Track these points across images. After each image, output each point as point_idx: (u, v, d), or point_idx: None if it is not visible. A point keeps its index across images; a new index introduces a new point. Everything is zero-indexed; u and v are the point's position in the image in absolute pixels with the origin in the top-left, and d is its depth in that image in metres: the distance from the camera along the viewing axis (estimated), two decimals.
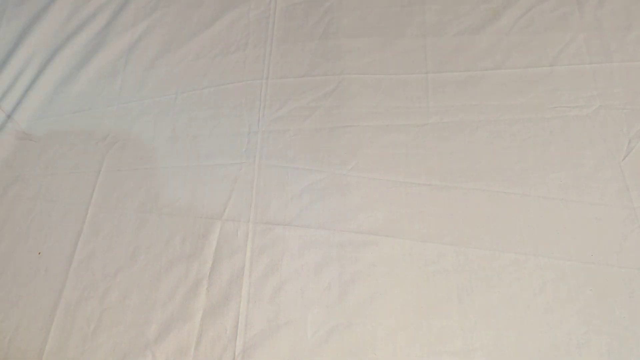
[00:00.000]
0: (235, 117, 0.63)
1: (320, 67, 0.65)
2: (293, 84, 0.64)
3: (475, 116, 0.60)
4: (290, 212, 0.56)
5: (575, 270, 0.50)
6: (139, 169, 0.61)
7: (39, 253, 0.57)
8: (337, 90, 0.63)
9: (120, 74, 0.68)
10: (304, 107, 0.63)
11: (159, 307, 0.54)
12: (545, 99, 0.61)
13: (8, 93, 0.67)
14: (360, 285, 0.51)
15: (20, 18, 0.72)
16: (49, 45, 0.70)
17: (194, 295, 0.54)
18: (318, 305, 0.51)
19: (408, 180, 0.57)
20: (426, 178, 0.57)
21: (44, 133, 0.65)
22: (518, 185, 0.55)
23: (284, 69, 0.66)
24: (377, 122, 0.61)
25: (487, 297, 0.50)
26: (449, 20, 0.67)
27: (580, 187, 0.55)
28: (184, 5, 0.72)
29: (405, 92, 0.63)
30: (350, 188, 0.56)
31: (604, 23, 0.65)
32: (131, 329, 0.53)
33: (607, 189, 0.55)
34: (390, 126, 0.60)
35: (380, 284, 0.51)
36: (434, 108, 0.61)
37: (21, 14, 0.72)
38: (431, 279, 0.51)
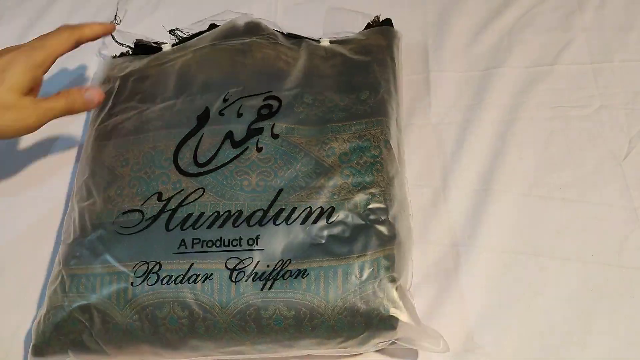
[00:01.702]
0: None
1: None
2: None
3: (476, 116, 0.60)
4: None
5: (576, 270, 0.51)
6: None
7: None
8: None
9: None
10: None
11: None
12: (546, 98, 0.61)
13: None
14: None
15: (20, 18, 0.72)
16: None
17: None
18: None
19: (409, 181, 0.56)
20: (427, 179, 0.57)
21: None
22: (518, 185, 0.56)
23: None
24: None
25: (488, 297, 0.50)
26: (450, 19, 0.67)
27: (581, 187, 0.55)
28: (185, 5, 0.72)
29: (407, 93, 0.62)
30: None
31: (605, 23, 0.65)
32: None
33: (608, 189, 0.55)
34: None
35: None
36: (435, 108, 0.61)
37: (21, 14, 0.71)
38: (431, 280, 0.51)
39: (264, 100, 0.50)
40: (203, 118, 0.49)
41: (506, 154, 0.57)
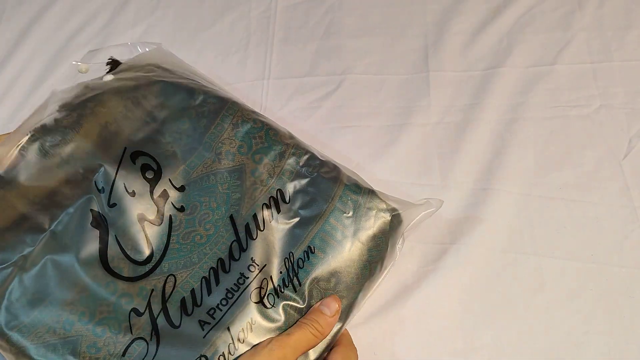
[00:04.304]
0: None
1: (321, 67, 0.65)
2: (294, 84, 0.64)
3: (476, 116, 0.60)
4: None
5: (576, 270, 0.51)
6: None
7: None
8: (339, 90, 0.63)
9: None
10: (306, 107, 0.63)
11: None
12: (546, 98, 0.61)
13: (8, 93, 0.67)
14: None
15: (20, 18, 0.72)
16: (49, 45, 0.70)
17: None
18: None
19: (409, 181, 0.57)
20: (427, 178, 0.57)
21: None
22: (518, 185, 0.56)
23: (285, 69, 0.66)
24: (378, 122, 0.61)
25: (487, 297, 0.50)
26: (450, 19, 0.67)
27: (581, 187, 0.55)
28: (185, 5, 0.72)
29: (407, 92, 0.63)
30: None
31: (605, 22, 0.65)
32: None
33: (608, 188, 0.55)
34: (391, 126, 0.60)
35: (380, 284, 0.51)
36: (435, 108, 0.61)
37: (21, 14, 0.71)
38: (431, 279, 0.51)
39: (140, 169, 0.45)
40: (100, 219, 0.43)
41: (506, 154, 0.57)
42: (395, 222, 0.45)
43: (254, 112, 0.49)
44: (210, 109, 0.48)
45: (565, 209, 0.54)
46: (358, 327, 0.49)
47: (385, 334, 0.49)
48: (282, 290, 0.42)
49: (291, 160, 0.46)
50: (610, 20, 0.65)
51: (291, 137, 0.48)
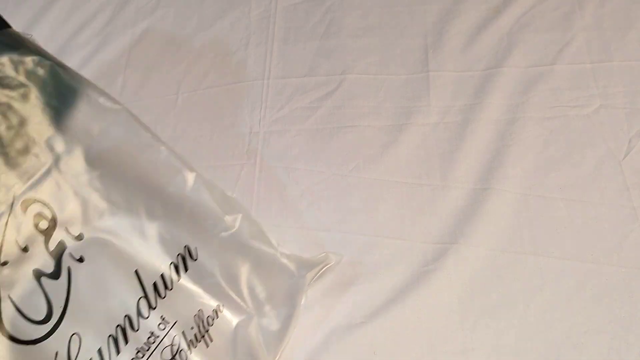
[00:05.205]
0: (237, 117, 0.63)
1: (321, 67, 0.65)
2: (294, 84, 0.64)
3: (476, 116, 0.60)
4: (291, 213, 0.56)
5: (575, 270, 0.51)
6: None
7: None
8: (339, 90, 0.63)
9: (120, 74, 0.68)
10: (306, 107, 0.63)
11: None
12: (546, 98, 0.61)
13: None
14: (361, 286, 0.52)
15: (20, 18, 0.72)
16: (49, 45, 0.70)
17: None
18: (319, 306, 0.51)
19: (409, 181, 0.57)
20: (427, 178, 0.57)
21: None
22: (518, 185, 0.56)
23: (285, 69, 0.66)
24: (378, 123, 0.61)
25: (487, 297, 0.50)
26: (450, 19, 0.67)
27: (581, 187, 0.55)
28: (185, 5, 0.72)
29: (407, 92, 0.63)
30: (351, 189, 0.56)
31: (605, 22, 0.65)
32: None
33: (607, 189, 0.55)
34: (391, 126, 0.60)
35: (380, 284, 0.51)
36: (435, 108, 0.61)
37: (21, 14, 0.72)
38: (432, 279, 0.51)
39: (32, 220, 0.39)
40: None
41: (506, 154, 0.57)
42: (300, 283, 0.47)
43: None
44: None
45: (565, 208, 0.54)
46: (358, 327, 0.49)
47: (385, 334, 0.49)
48: (195, 346, 0.41)
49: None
50: (610, 20, 0.65)
51: None
